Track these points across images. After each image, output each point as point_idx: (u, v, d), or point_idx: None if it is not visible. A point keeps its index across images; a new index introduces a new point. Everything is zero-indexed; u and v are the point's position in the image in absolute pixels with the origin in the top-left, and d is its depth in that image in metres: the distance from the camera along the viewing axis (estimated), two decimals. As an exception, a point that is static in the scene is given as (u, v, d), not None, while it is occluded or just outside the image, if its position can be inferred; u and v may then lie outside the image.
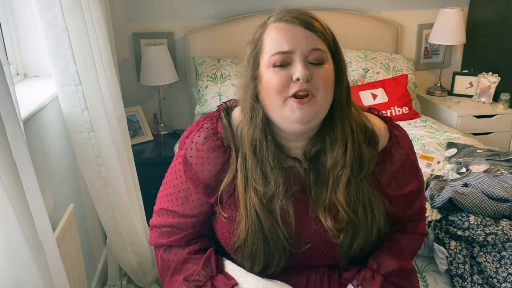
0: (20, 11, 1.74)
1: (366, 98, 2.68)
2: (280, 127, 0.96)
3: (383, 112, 1.11)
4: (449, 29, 2.89)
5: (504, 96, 2.80)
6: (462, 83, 3.05)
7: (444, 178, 1.75)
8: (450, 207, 1.48)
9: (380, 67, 2.83)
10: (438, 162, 2.00)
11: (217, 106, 1.08)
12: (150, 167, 2.32)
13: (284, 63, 0.91)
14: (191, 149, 1.01)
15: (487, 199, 1.45)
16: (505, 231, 1.36)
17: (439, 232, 1.40)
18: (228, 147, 1.00)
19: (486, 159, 1.87)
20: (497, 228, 1.37)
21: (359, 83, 2.78)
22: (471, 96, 2.99)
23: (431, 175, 1.79)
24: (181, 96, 2.97)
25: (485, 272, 1.33)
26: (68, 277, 1.28)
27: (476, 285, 1.32)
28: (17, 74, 1.81)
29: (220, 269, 1.02)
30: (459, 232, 1.38)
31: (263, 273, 1.00)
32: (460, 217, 1.41)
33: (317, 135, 0.99)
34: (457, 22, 2.87)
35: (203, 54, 2.82)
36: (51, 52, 1.47)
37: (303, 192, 1.00)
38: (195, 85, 2.80)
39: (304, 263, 1.03)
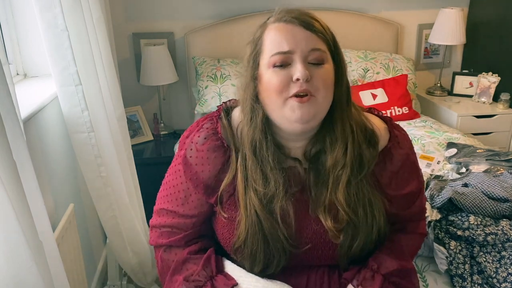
0: (20, 11, 1.74)
1: (366, 98, 2.68)
2: (280, 127, 0.96)
3: (383, 112, 1.11)
4: (449, 29, 2.89)
5: (504, 96, 2.80)
6: (462, 83, 3.05)
7: (444, 178, 1.75)
8: (450, 207, 1.48)
9: (380, 67, 2.83)
10: (438, 162, 2.00)
11: (217, 106, 1.08)
12: (150, 167, 2.31)
13: (284, 63, 0.91)
14: (191, 149, 1.01)
15: (487, 199, 1.45)
16: (505, 231, 1.36)
17: (439, 232, 1.40)
18: (228, 147, 1.00)
19: (486, 159, 1.87)
20: (497, 228, 1.37)
21: (359, 83, 2.78)
22: (471, 96, 2.99)
23: (431, 175, 1.79)
24: (181, 96, 2.98)
25: (485, 272, 1.34)
26: (68, 277, 1.28)
27: (476, 285, 1.32)
28: (17, 74, 1.81)
29: (220, 269, 1.02)
30: (459, 232, 1.38)
31: (263, 273, 1.00)
32: (460, 217, 1.41)
33: (317, 135, 0.99)
34: (457, 22, 2.87)
35: (203, 54, 2.82)
36: (51, 52, 1.47)
37: (303, 192, 1.00)
38: (195, 85, 2.80)
39: (304, 263, 1.03)
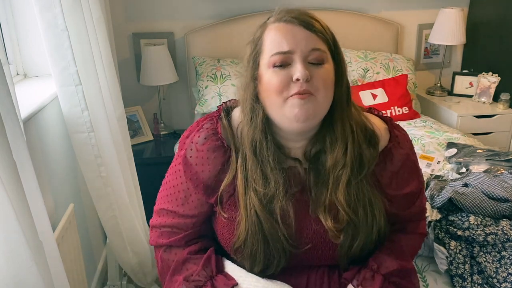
0: (20, 11, 1.74)
1: (366, 98, 2.68)
2: (280, 127, 0.96)
3: (383, 112, 1.11)
4: (449, 29, 2.89)
5: (504, 96, 2.80)
6: (462, 83, 3.05)
7: (444, 178, 1.75)
8: (450, 207, 1.48)
9: (380, 67, 2.83)
10: (438, 162, 2.00)
11: (217, 106, 1.08)
12: (150, 167, 2.32)
13: (284, 63, 0.91)
14: (191, 149, 1.01)
15: (487, 199, 1.45)
16: (505, 231, 1.36)
17: (439, 232, 1.40)
18: (228, 147, 1.00)
19: (486, 159, 1.87)
20: (497, 228, 1.37)
21: (359, 83, 2.78)
22: (471, 96, 2.99)
23: (431, 175, 1.79)
24: (181, 96, 2.98)
25: (485, 272, 1.34)
26: (68, 277, 1.28)
27: (476, 285, 1.32)
28: (17, 74, 1.81)
29: (220, 269, 1.02)
30: (459, 232, 1.38)
31: (263, 273, 1.00)
32: (460, 217, 1.41)
33: (317, 135, 0.99)
34: (457, 22, 2.87)
35: (203, 54, 2.82)
36: (51, 52, 1.47)
37: (303, 192, 1.00)
38: (195, 85, 2.80)
39: (304, 263, 1.03)
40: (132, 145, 2.16)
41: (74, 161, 1.74)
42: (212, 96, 2.61)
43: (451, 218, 1.43)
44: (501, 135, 2.84)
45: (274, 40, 0.92)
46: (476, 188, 1.52)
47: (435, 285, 1.35)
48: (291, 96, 0.90)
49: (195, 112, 2.68)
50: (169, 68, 2.70)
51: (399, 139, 1.04)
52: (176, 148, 1.74)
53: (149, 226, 1.14)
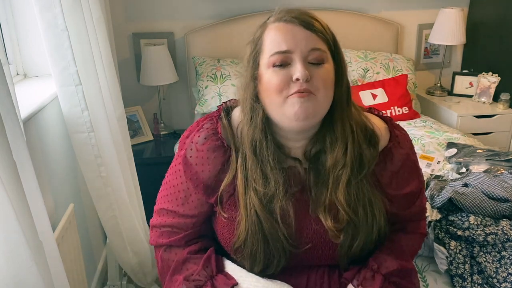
0: (20, 11, 1.74)
1: (366, 98, 2.68)
2: (280, 127, 0.96)
3: (383, 112, 1.11)
4: (449, 29, 2.89)
5: (504, 96, 2.80)
6: (462, 83, 3.05)
7: (444, 178, 1.75)
8: (450, 207, 1.48)
9: (380, 67, 2.83)
10: (438, 162, 2.00)
11: (217, 106, 1.08)
12: (150, 167, 2.32)
13: (283, 63, 0.91)
14: (191, 149, 1.01)
15: (487, 199, 1.45)
16: (505, 231, 1.36)
17: (439, 232, 1.40)
18: (228, 147, 1.00)
19: (486, 159, 1.87)
20: (497, 228, 1.37)
21: (359, 83, 2.78)
22: (471, 96, 2.99)
23: (431, 175, 1.79)
24: (181, 96, 2.98)
25: (485, 272, 1.34)
26: (68, 277, 1.28)
27: (476, 285, 1.32)
28: (17, 74, 1.81)
29: (220, 269, 1.02)
30: (459, 232, 1.38)
31: (263, 273, 1.00)
32: (460, 217, 1.41)
33: (317, 135, 0.99)
34: (457, 22, 2.87)
35: (203, 54, 2.82)
36: (51, 52, 1.47)
37: (303, 192, 1.00)
38: (195, 85, 2.80)
39: (304, 263, 1.03)
40: (132, 145, 2.16)
41: (74, 161, 1.74)
42: (212, 96, 2.61)
43: (451, 218, 1.43)
44: (501, 135, 2.84)
45: (274, 40, 0.92)
46: (476, 188, 1.52)
47: (435, 285, 1.35)
48: (291, 95, 0.90)
49: (195, 112, 2.68)
50: (169, 68, 2.70)
51: (399, 139, 1.04)
52: (176, 148, 1.74)
53: (149, 226, 1.14)
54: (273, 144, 0.97)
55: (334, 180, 0.96)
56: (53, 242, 1.17)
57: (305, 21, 0.91)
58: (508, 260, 1.33)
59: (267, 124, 0.96)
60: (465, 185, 1.58)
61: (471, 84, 3.02)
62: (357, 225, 0.97)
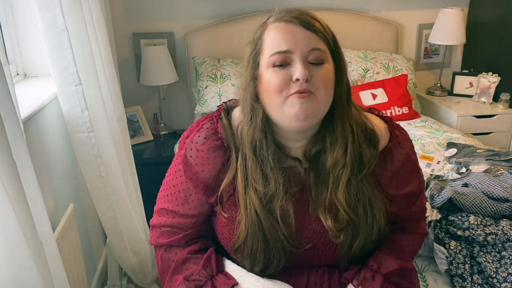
0: (20, 11, 1.74)
1: (366, 98, 2.68)
2: (280, 126, 0.96)
3: (383, 112, 1.11)
4: (449, 29, 2.89)
5: (504, 96, 2.80)
6: (462, 83, 3.05)
7: (444, 178, 1.75)
8: (450, 207, 1.48)
9: (380, 67, 2.83)
10: (438, 162, 2.00)
11: (217, 106, 1.08)
12: (150, 167, 2.32)
13: (283, 63, 0.91)
14: (191, 149, 1.01)
15: (487, 199, 1.45)
16: (505, 231, 1.36)
17: (439, 232, 1.40)
18: (228, 147, 1.00)
19: (486, 159, 1.87)
20: (497, 228, 1.37)
21: (359, 83, 2.78)
22: (471, 96, 2.99)
23: (431, 175, 1.79)
24: (181, 96, 2.98)
25: (485, 272, 1.33)
26: (68, 277, 1.28)
27: (476, 285, 1.32)
28: (17, 74, 1.81)
29: (221, 269, 1.02)
30: (459, 232, 1.38)
31: (263, 273, 1.00)
32: (460, 217, 1.41)
33: (317, 135, 0.99)
34: (457, 22, 2.87)
35: (203, 54, 2.82)
36: (51, 52, 1.47)
37: (303, 192, 1.00)
38: (195, 85, 2.80)
39: (304, 263, 1.03)
40: (132, 145, 2.16)
41: (74, 161, 1.74)
42: (212, 96, 2.61)
43: (451, 218, 1.43)
44: (501, 135, 2.84)
45: (274, 40, 0.92)
46: (476, 188, 1.52)
47: (435, 285, 1.35)
48: (291, 95, 0.90)
49: (195, 112, 2.69)
50: (169, 68, 2.70)
51: (399, 139, 1.04)
52: (176, 148, 1.74)
53: (149, 226, 1.14)
54: (273, 144, 0.97)
55: (334, 180, 0.96)
56: (53, 242, 1.17)
57: (305, 21, 0.91)
58: (508, 260, 1.33)
59: (267, 124, 0.96)
60: (465, 185, 1.58)
61: (471, 84, 3.02)
62: (357, 225, 0.97)
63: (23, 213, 0.95)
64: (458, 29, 2.88)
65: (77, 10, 1.52)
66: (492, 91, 2.88)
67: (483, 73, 2.92)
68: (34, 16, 1.47)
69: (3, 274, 0.92)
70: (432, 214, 1.44)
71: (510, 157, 1.85)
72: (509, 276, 1.29)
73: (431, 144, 2.28)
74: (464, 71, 3.14)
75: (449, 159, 2.03)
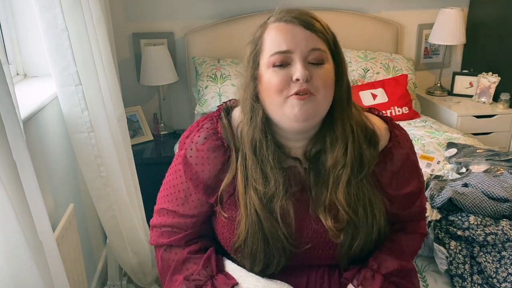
0: (20, 11, 1.74)
1: (366, 98, 2.68)
2: (280, 127, 0.96)
3: (383, 112, 1.11)
4: (449, 29, 2.89)
5: (504, 96, 2.80)
6: (462, 83, 3.05)
7: (444, 178, 1.75)
8: (450, 207, 1.48)
9: (380, 67, 2.83)
10: (438, 162, 2.00)
11: (217, 106, 1.08)
12: (150, 167, 2.32)
13: (283, 63, 0.91)
14: (191, 149, 1.01)
15: (487, 199, 1.45)
16: (505, 231, 1.36)
17: (439, 232, 1.40)
18: (228, 147, 1.00)
19: (486, 159, 1.87)
20: (497, 228, 1.37)
21: (359, 83, 2.78)
22: (471, 96, 2.99)
23: (431, 175, 1.79)
24: (181, 96, 2.98)
25: (485, 272, 1.33)
26: (68, 277, 1.28)
27: (476, 285, 1.32)
28: (17, 74, 1.81)
29: (221, 269, 1.02)
30: (459, 232, 1.38)
31: (263, 273, 1.00)
32: (460, 217, 1.41)
33: (317, 135, 0.99)
34: (457, 22, 2.87)
35: (203, 54, 2.82)
36: (51, 52, 1.47)
37: (303, 192, 1.00)
38: (195, 85, 2.80)
39: (304, 263, 1.03)
40: (132, 145, 2.16)
41: (74, 161, 1.74)
42: (212, 96, 2.61)
43: (451, 218, 1.43)
44: (501, 135, 2.84)
45: (274, 40, 0.92)
46: (476, 188, 1.52)
47: (435, 285, 1.35)
48: (291, 95, 0.90)
49: (195, 112, 2.69)
50: (169, 68, 2.70)
51: (399, 139, 1.04)
52: (176, 148, 1.74)
53: (149, 226, 1.14)
54: (273, 144, 0.97)
55: (334, 180, 0.97)
56: (53, 242, 1.17)
57: (305, 21, 0.91)
58: (508, 260, 1.33)
59: (267, 124, 0.96)
60: (465, 185, 1.58)
61: (471, 84, 3.02)
62: (357, 225, 0.97)
63: (23, 213, 0.95)
64: (458, 29, 2.88)
65: (77, 10, 1.52)
66: (492, 91, 2.88)
67: (483, 73, 2.92)
68: (34, 16, 1.47)
69: (3, 274, 0.92)
70: (432, 214, 1.44)
71: (510, 157, 1.85)
72: (509, 276, 1.29)
73: (431, 144, 2.28)
74: (464, 71, 3.14)
75: (449, 159, 2.03)
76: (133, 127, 2.74)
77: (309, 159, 1.00)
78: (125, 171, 1.84)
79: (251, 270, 1.01)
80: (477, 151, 2.01)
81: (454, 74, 3.09)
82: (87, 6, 1.62)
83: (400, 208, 1.06)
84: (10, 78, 1.14)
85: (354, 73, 2.77)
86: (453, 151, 2.08)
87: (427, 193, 1.51)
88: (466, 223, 1.39)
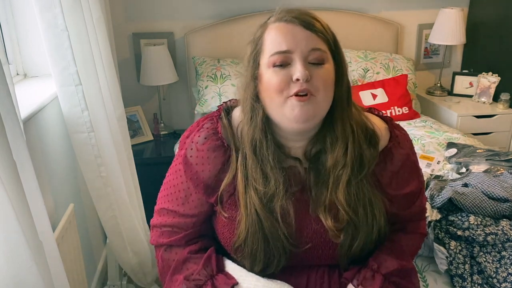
0: (20, 11, 1.74)
1: (366, 98, 2.68)
2: (280, 127, 0.96)
3: (383, 112, 1.11)
4: (449, 29, 2.89)
5: (504, 96, 2.80)
6: (462, 83, 3.05)
7: (444, 178, 1.75)
8: (450, 207, 1.48)
9: (380, 67, 2.83)
10: (438, 162, 2.00)
11: (217, 106, 1.08)
12: (150, 167, 2.32)
13: (283, 63, 0.91)
14: (191, 149, 1.01)
15: (487, 199, 1.45)
16: (505, 231, 1.36)
17: (439, 232, 1.40)
18: (228, 147, 1.00)
19: (486, 159, 1.87)
20: (497, 228, 1.37)
21: (359, 83, 2.78)
22: (471, 96, 2.99)
23: (431, 175, 1.79)
24: (181, 96, 2.98)
25: (485, 272, 1.33)
26: (68, 277, 1.28)
27: (476, 285, 1.32)
28: (17, 74, 1.81)
29: (221, 269, 1.02)
30: (459, 232, 1.38)
31: (263, 273, 1.00)
32: (460, 217, 1.41)
33: (317, 135, 0.99)
34: (457, 22, 2.87)
35: (203, 54, 2.82)
36: (51, 52, 1.47)
37: (303, 192, 1.00)
38: (195, 85, 2.80)
39: (304, 263, 1.03)
40: (132, 145, 2.16)
41: (74, 161, 1.74)
42: (212, 96, 2.61)
43: (451, 218, 1.43)
44: (501, 135, 2.84)
45: (274, 40, 0.92)
46: (476, 188, 1.52)
47: (435, 285, 1.35)
48: (291, 96, 0.90)
49: (195, 112, 2.69)
50: (169, 68, 2.70)
51: (399, 139, 1.04)
52: (176, 148, 1.74)
53: (149, 226, 1.14)
54: (273, 143, 0.97)
55: (334, 180, 0.97)
56: (53, 242, 1.17)
57: (305, 21, 0.91)
58: (508, 260, 1.33)
59: (267, 124, 0.96)
60: (465, 185, 1.58)
61: (471, 84, 3.02)
62: (357, 225, 0.97)
63: (23, 213, 0.95)
64: (458, 29, 2.88)
65: (77, 10, 1.52)
66: (492, 91, 2.88)
67: (483, 73, 2.92)
68: (34, 16, 1.47)
69: (3, 274, 0.92)
70: (432, 214, 1.44)
71: (510, 157, 1.85)
72: (509, 276, 1.29)
73: (431, 144, 2.28)
74: (464, 71, 3.14)
75: (449, 159, 2.03)
76: (133, 127, 2.74)
77: (309, 159, 1.00)
78: (125, 171, 1.84)
79: (251, 270, 1.01)
80: (477, 151, 2.01)
81: (454, 74, 3.09)
82: (87, 6, 1.62)
83: (400, 208, 1.06)
84: (10, 78, 1.14)
85: (354, 73, 2.77)
86: (453, 151, 2.08)
87: (427, 193, 1.51)
88: (466, 223, 1.39)
